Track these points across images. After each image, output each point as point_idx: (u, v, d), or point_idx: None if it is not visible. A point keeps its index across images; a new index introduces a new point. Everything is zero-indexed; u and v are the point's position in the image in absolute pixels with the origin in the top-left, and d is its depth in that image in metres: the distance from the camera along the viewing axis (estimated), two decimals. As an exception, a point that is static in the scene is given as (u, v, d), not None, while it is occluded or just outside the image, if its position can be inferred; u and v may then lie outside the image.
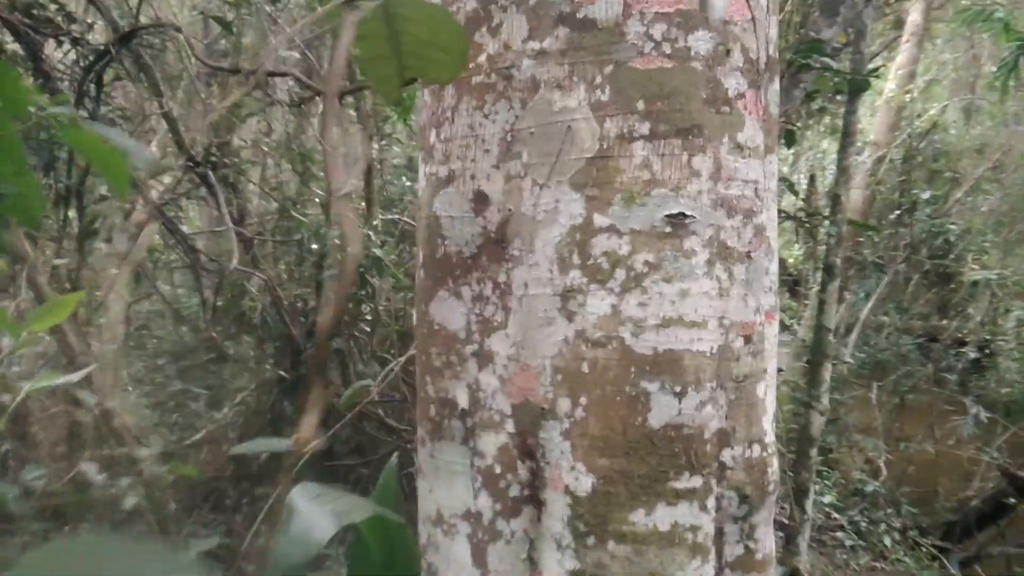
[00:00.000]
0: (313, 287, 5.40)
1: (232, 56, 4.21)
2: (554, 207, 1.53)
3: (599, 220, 1.49)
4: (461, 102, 1.63)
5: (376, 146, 7.42)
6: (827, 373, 3.89)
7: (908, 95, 8.38)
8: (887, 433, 8.44)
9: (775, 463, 1.65)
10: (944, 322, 10.13)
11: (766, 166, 1.73)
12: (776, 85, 1.95)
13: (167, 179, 6.22)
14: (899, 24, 9.96)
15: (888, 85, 8.56)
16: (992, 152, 9.81)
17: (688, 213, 1.47)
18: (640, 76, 1.47)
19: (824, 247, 4.37)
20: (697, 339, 1.48)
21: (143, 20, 4.70)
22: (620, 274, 1.47)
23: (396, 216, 6.29)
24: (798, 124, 4.89)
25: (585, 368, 1.48)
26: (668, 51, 1.48)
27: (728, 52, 1.52)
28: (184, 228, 6.58)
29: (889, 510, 6.98)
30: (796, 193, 4.56)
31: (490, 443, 1.59)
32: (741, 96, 1.54)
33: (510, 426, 1.57)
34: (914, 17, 8.34)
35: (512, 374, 1.58)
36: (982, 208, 9.71)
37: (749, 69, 1.56)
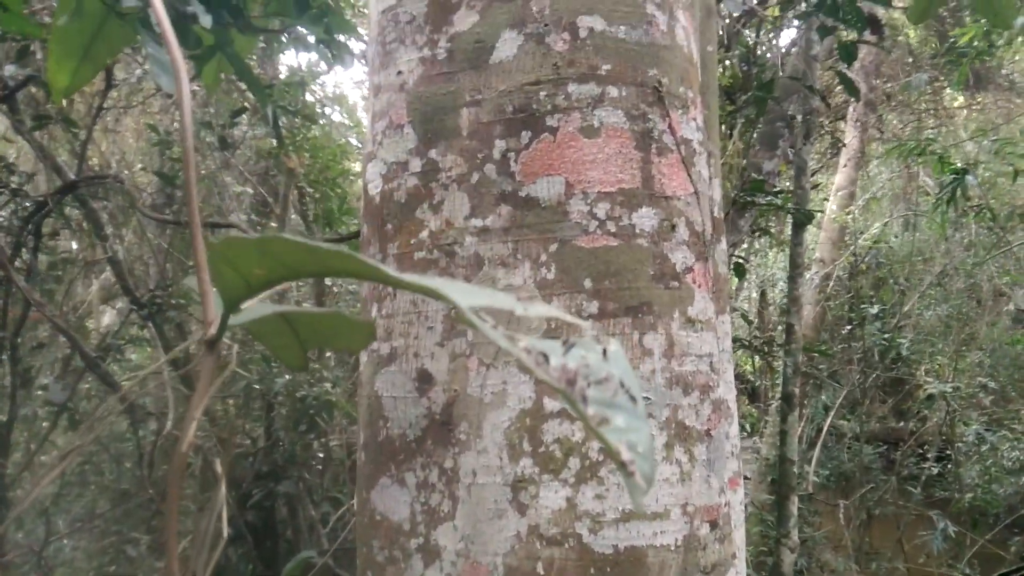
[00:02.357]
0: (263, 426, 5.19)
1: (182, 202, 4.19)
2: (502, 389, 1.45)
3: (550, 404, 1.41)
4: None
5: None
6: (794, 507, 3.79)
7: (849, 215, 8.70)
8: (857, 551, 8.26)
9: (750, 659, 1.52)
10: (902, 424, 10.16)
11: (719, 328, 1.69)
12: (723, 244, 1.94)
13: (108, 318, 6.05)
14: (835, 143, 10.45)
15: (829, 205, 8.88)
16: (933, 263, 10.14)
17: (643, 395, 1.41)
18: (586, 254, 1.44)
19: (780, 366, 4.36)
20: (660, 532, 1.38)
21: (96, 161, 4.66)
22: (574, 463, 1.38)
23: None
24: (744, 246, 4.97)
25: (540, 569, 1.36)
26: (613, 229, 1.45)
27: (673, 227, 1.50)
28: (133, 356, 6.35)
29: (866, 639, 6.72)
30: (750, 323, 4.60)
31: (439, 653, 1.44)
32: (689, 270, 1.51)
33: (460, 632, 1.43)
34: (851, 142, 8.75)
35: (461, 572, 1.45)
36: (928, 314, 9.94)
37: (695, 242, 1.54)
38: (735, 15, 3.85)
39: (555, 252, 1.44)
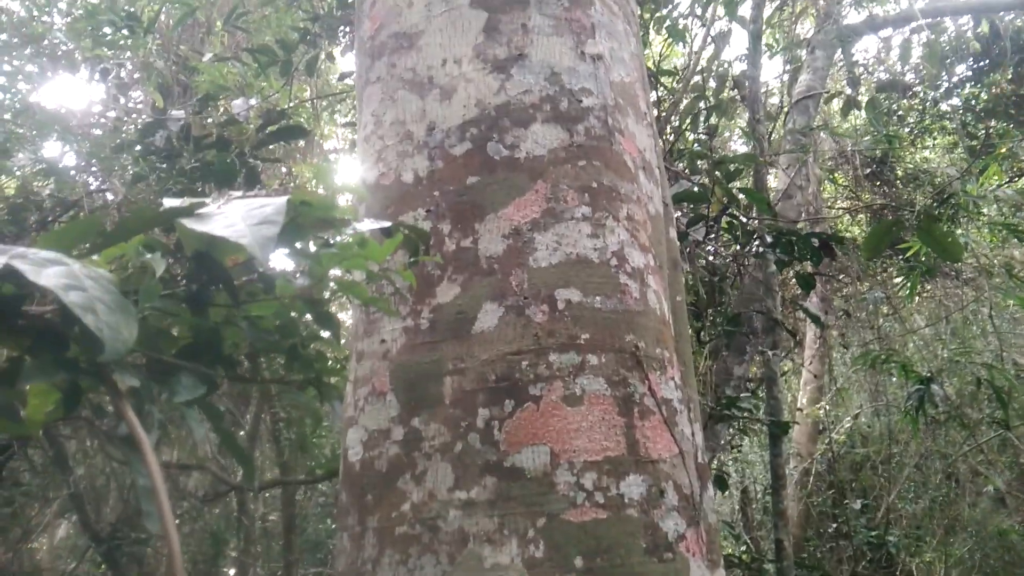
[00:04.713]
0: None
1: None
2: None
3: None
4: (383, 555, 1.50)
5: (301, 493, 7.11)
6: None
7: (821, 410, 8.78)
8: None
9: None
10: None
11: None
12: (710, 490, 1.91)
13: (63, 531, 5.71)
14: (797, 338, 10.68)
15: (800, 398, 8.96)
16: (908, 447, 10.09)
17: None
18: (575, 529, 1.40)
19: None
20: None
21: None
22: None
23: (320, 571, 5.83)
24: (721, 456, 4.92)
25: None
26: (601, 500, 1.42)
27: (662, 492, 1.48)
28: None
29: None
30: (736, 537, 4.47)
31: None
32: (682, 538, 1.47)
33: None
34: (810, 337, 9.02)
35: None
36: (910, 508, 9.74)
37: (685, 506, 1.51)
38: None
39: (543, 527, 1.40)
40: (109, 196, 4.03)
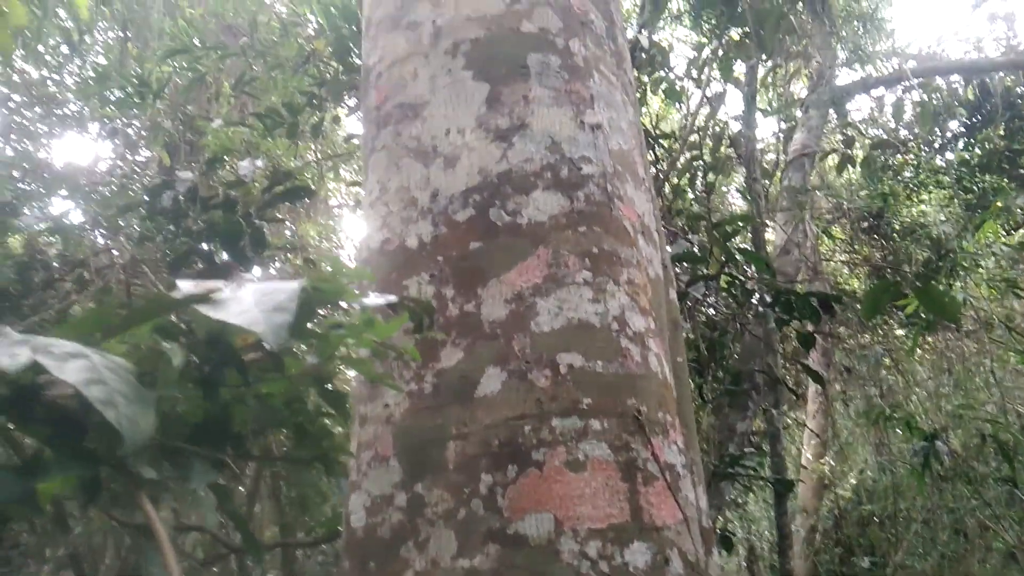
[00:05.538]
0: None
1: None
2: None
3: None
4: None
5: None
6: None
7: (826, 466, 8.71)
8: None
9: None
10: None
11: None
12: (715, 556, 1.90)
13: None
14: (800, 392, 10.63)
15: (804, 453, 8.90)
16: (915, 500, 9.95)
17: None
18: (579, 599, 1.39)
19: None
20: None
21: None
22: None
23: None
24: (727, 512, 4.86)
25: None
26: (606, 569, 1.41)
27: (667, 560, 1.47)
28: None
29: None
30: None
31: None
32: (687, 607, 1.46)
33: None
34: (812, 391, 8.98)
35: None
36: (918, 552, 9.58)
37: (690, 574, 1.50)
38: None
39: (548, 598, 1.39)
40: (115, 254, 4.08)
